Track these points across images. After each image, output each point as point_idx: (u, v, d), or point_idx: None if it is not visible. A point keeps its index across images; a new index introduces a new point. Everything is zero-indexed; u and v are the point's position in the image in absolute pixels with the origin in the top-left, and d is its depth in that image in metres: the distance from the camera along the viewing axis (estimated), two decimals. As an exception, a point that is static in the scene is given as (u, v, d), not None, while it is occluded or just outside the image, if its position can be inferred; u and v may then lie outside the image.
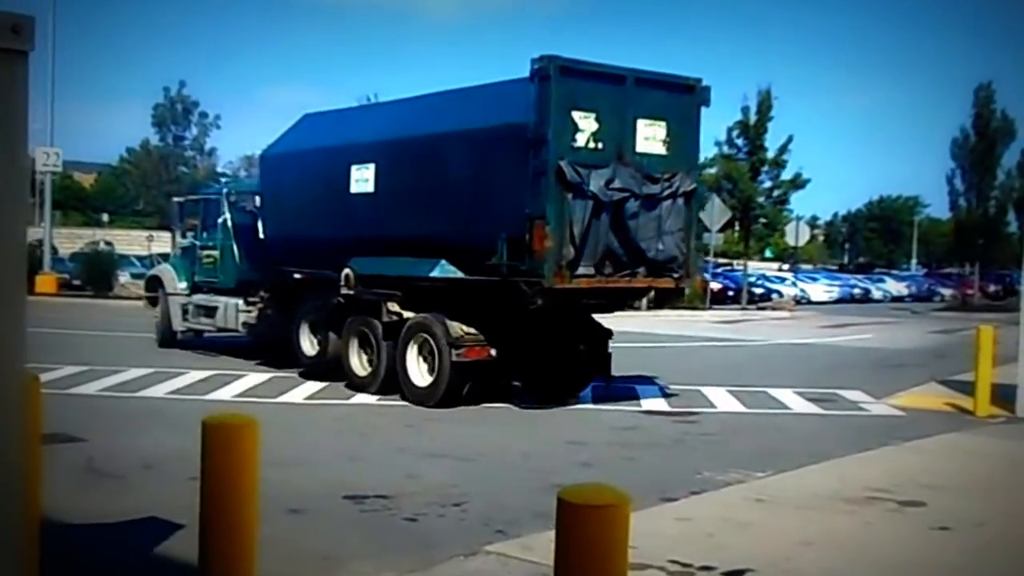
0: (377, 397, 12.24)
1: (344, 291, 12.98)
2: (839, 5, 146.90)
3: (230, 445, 4.10)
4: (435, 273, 11.91)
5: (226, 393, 12.53)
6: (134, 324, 19.61)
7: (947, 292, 56.15)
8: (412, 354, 12.13)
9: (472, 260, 11.40)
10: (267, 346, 15.36)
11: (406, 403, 11.92)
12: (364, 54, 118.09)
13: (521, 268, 10.56)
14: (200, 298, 16.67)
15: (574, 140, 10.54)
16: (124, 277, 32.17)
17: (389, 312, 12.35)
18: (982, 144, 45.76)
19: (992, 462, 9.08)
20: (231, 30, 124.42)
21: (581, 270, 10.68)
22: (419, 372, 12.09)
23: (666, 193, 11.12)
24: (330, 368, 13.67)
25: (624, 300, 11.59)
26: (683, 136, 11.47)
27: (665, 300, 11.59)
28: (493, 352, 11.73)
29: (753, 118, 38.89)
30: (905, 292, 58.37)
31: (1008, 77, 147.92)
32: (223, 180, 17.35)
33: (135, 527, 6.31)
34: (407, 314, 12.36)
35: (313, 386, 13.08)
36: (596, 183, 10.57)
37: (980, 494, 7.67)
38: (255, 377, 13.74)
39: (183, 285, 17.17)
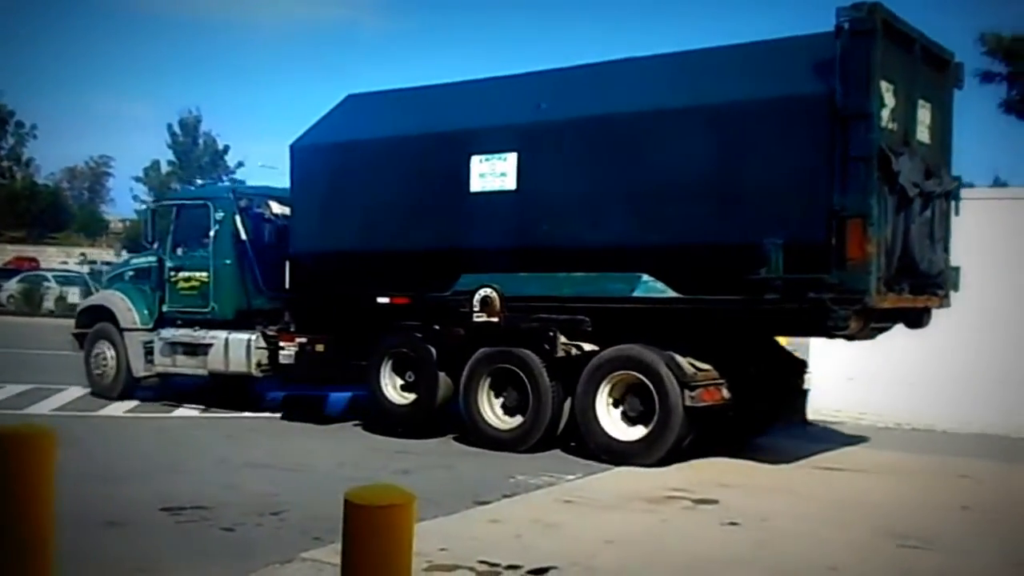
0: (200, 409, 11.96)
1: (477, 318, 9.79)
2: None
3: (22, 456, 3.94)
4: (640, 292, 9.13)
5: (44, 407, 12.30)
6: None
7: None
8: (603, 399, 9.21)
9: (698, 273, 8.77)
10: (301, 399, 11.85)
11: (229, 413, 11.91)
12: (190, 65, 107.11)
13: (827, 281, 8.06)
14: (175, 333, 12.54)
15: (880, 118, 8.25)
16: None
17: (564, 344, 9.36)
18: None
19: (778, 463, 9.43)
20: (49, 36, 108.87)
21: (889, 284, 8.38)
22: (613, 421, 9.19)
23: (939, 191, 9.09)
24: (430, 419, 10.40)
25: (894, 323, 9.40)
26: (944, 123, 9.51)
27: (919, 322, 9.43)
28: (727, 394, 9.09)
29: None
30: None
31: None
32: (212, 182, 12.98)
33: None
34: (588, 347, 9.44)
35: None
36: (905, 175, 8.34)
37: (766, 492, 8.14)
38: (76, 391, 13.38)
39: (143, 318, 12.92)
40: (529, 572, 5.59)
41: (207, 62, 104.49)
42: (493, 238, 9.95)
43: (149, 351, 12.74)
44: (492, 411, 9.94)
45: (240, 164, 54.51)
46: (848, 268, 8.01)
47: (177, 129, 53.36)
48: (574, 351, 9.39)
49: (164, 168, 54.12)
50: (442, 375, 10.25)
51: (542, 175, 9.66)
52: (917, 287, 9.01)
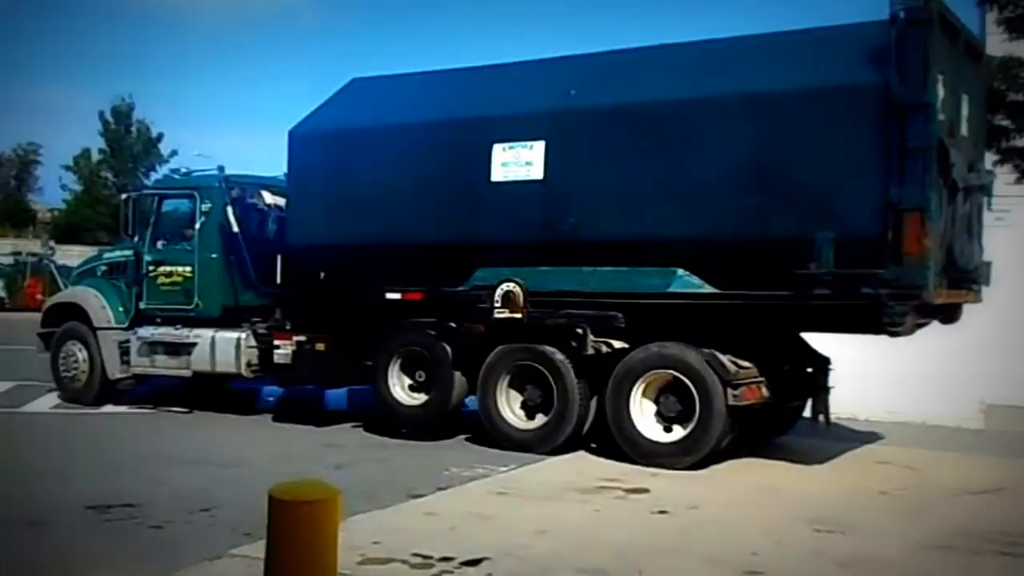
0: (128, 405, 11.42)
1: (499, 314, 9.29)
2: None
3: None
4: (676, 288, 8.74)
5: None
6: None
7: None
8: (637, 399, 8.80)
9: (736, 267, 8.43)
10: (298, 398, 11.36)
11: (158, 409, 11.66)
12: (124, 52, 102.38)
13: (882, 276, 7.76)
14: (155, 332, 11.74)
15: (937, 110, 7.97)
16: None
17: (593, 342, 8.92)
18: None
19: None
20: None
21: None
22: (647, 422, 8.79)
23: (977, 184, 8.88)
24: (442, 419, 9.89)
25: (933, 319, 9.15)
26: (979, 116, 9.31)
27: (953, 317, 9.22)
28: (767, 392, 8.76)
29: None
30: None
31: None
32: (196, 171, 12.17)
33: None
34: (617, 344, 9.02)
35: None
36: (958, 167, 8.10)
37: (694, 481, 8.25)
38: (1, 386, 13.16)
39: (118, 316, 12.09)
40: (462, 564, 5.64)
41: (142, 49, 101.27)
42: (514, 230, 9.44)
43: (125, 351, 11.93)
44: (511, 411, 9.46)
45: (174, 153, 52.74)
46: (905, 263, 7.73)
47: (109, 117, 51.17)
48: (604, 348, 8.97)
49: (95, 156, 52.01)
50: (457, 374, 9.74)
51: (572, 165, 9.20)
52: (954, 282, 8.82)
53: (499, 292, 9.27)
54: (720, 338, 8.67)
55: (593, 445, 9.36)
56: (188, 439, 10.06)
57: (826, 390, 9.77)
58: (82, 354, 12.14)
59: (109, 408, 11.88)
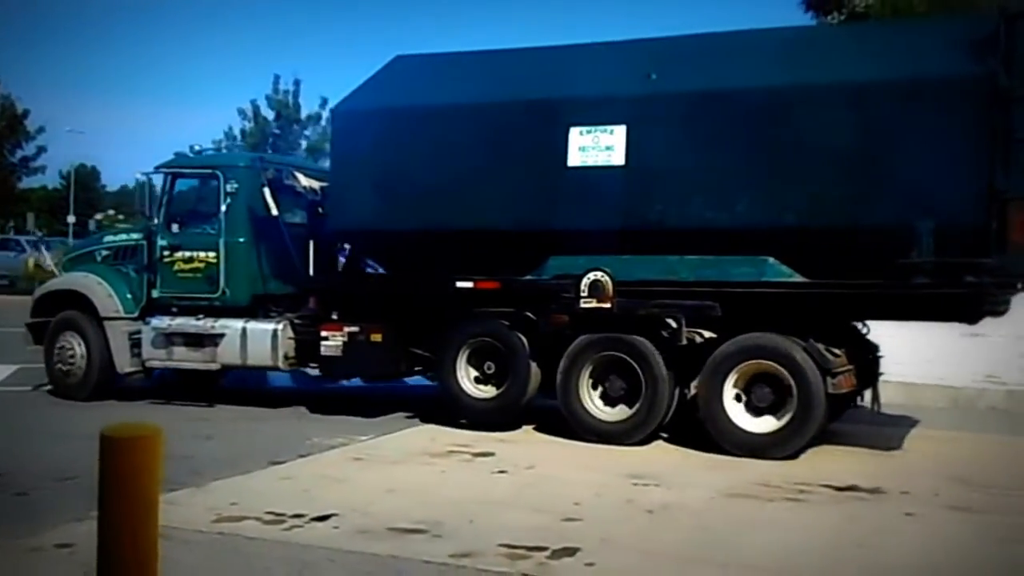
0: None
1: (585, 304, 9.10)
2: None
3: None
4: (770, 276, 8.77)
5: None
6: None
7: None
8: (730, 389, 8.80)
9: (827, 255, 8.53)
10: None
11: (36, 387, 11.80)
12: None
13: (987, 264, 7.99)
14: (172, 322, 10.98)
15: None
16: None
17: (685, 332, 8.85)
18: None
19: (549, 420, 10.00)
20: None
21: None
22: (740, 412, 8.80)
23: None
24: (518, 413, 9.66)
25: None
26: None
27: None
28: (855, 380, 8.91)
29: None
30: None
31: None
32: (207, 150, 11.35)
33: None
34: (707, 334, 8.98)
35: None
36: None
37: (534, 444, 9.14)
38: None
39: (127, 304, 11.25)
40: (312, 519, 6.18)
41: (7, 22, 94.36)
42: (593, 217, 9.23)
43: (136, 344, 11.13)
44: (593, 402, 9.31)
45: (41, 129, 49.83)
46: (1009, 251, 7.98)
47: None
48: (698, 339, 8.93)
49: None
50: (533, 366, 9.50)
51: (656, 150, 9.04)
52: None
53: (586, 281, 9.07)
54: (809, 327, 8.76)
55: (664, 436, 9.35)
56: (59, 415, 10.37)
57: (878, 377, 10.06)
58: (79, 346, 11.26)
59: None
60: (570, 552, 5.65)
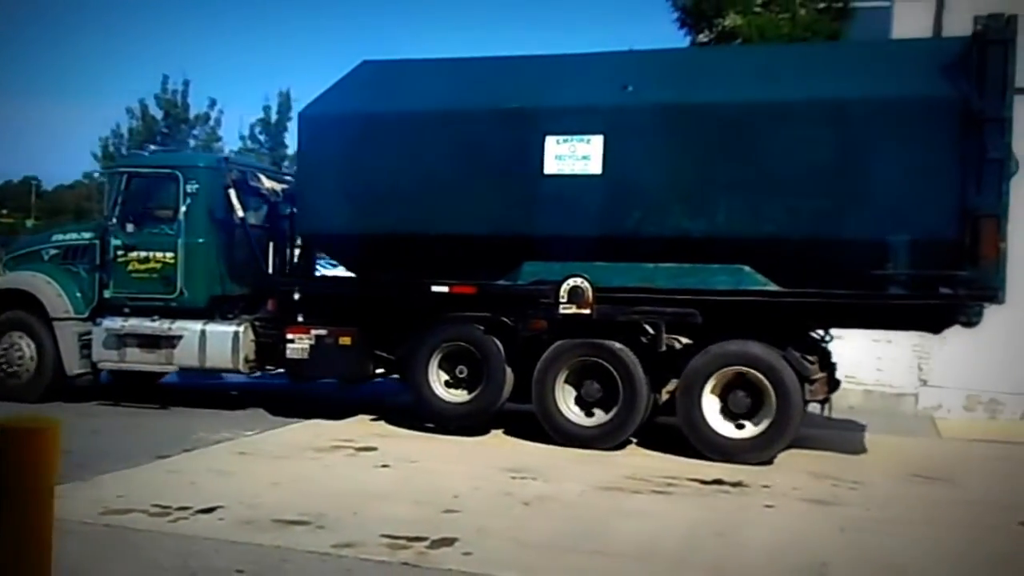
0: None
1: (565, 309, 9.09)
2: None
3: None
4: (746, 285, 8.91)
5: None
6: None
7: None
8: (708, 395, 8.89)
9: (802, 266, 8.72)
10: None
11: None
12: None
13: (961, 277, 8.27)
14: (125, 323, 10.56)
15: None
16: None
17: (665, 338, 8.91)
18: None
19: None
20: None
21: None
22: (718, 418, 8.90)
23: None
24: (490, 418, 9.58)
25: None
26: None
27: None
28: (827, 387, 9.11)
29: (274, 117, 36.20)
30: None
31: None
32: (162, 150, 10.93)
33: None
34: (685, 340, 9.07)
35: None
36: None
37: (417, 439, 9.44)
38: None
39: (77, 304, 10.77)
40: (198, 511, 6.35)
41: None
42: (569, 225, 9.24)
43: (85, 345, 10.67)
44: (568, 407, 9.30)
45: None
46: (981, 265, 8.28)
47: None
48: (676, 345, 9.01)
49: None
50: (508, 371, 9.44)
51: (633, 160, 9.10)
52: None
53: (565, 287, 9.07)
54: (785, 335, 8.93)
55: (634, 440, 9.40)
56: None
57: (836, 383, 10.31)
58: (29, 348, 10.76)
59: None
60: (448, 542, 5.89)
